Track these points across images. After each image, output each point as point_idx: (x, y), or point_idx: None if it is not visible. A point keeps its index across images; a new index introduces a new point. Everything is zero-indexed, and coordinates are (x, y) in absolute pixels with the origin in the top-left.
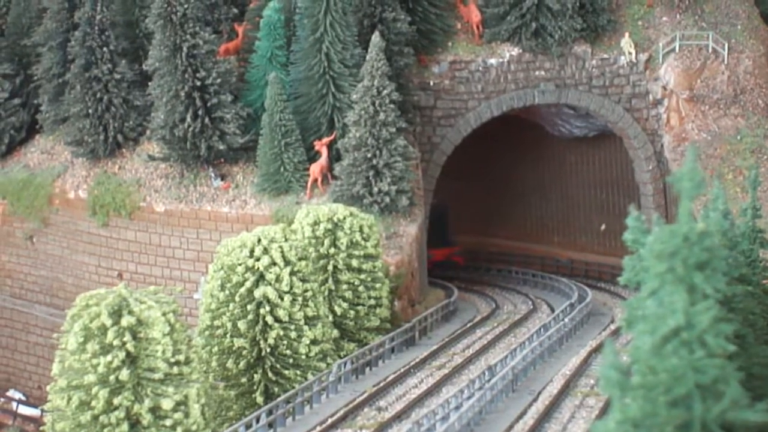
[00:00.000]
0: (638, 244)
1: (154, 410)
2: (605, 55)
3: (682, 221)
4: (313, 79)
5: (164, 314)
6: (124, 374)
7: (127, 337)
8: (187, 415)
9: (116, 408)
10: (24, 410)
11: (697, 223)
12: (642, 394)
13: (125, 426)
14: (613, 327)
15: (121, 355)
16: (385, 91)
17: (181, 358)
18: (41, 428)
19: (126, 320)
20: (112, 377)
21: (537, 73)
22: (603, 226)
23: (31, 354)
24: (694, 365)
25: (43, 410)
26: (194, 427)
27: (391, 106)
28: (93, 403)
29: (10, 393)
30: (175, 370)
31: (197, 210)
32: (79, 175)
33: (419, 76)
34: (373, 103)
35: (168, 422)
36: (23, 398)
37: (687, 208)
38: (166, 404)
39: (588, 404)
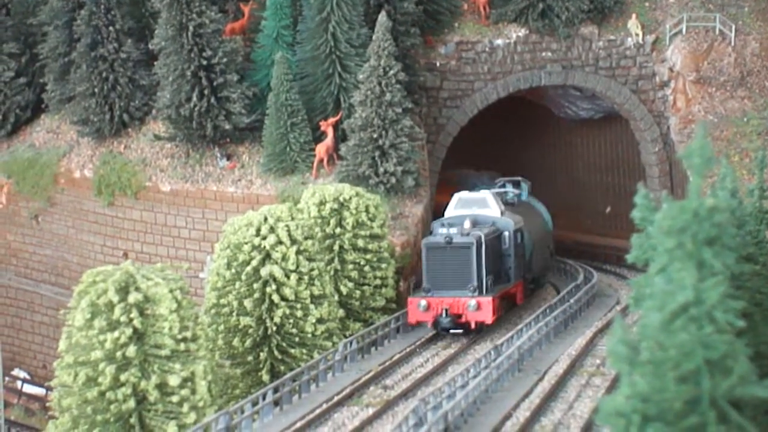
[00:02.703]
0: (646, 222)
1: (161, 387)
2: (612, 37)
3: (692, 197)
4: (320, 59)
5: (171, 291)
6: (131, 350)
7: (134, 314)
8: (193, 391)
9: (123, 384)
10: (29, 389)
11: (707, 199)
12: (651, 370)
13: (132, 402)
14: (618, 308)
15: (128, 331)
16: (391, 72)
17: (188, 334)
18: (47, 404)
19: (133, 297)
20: (119, 353)
21: (543, 54)
22: (608, 209)
23: (36, 333)
24: (702, 341)
25: (48, 388)
26: (201, 404)
27: (398, 86)
28: (100, 380)
29: (15, 372)
30: (182, 346)
31: (203, 190)
32: (84, 155)
33: (425, 57)
34: (380, 83)
35: (174, 398)
36: (28, 377)
37: (697, 184)
38: (173, 381)
39: (594, 384)
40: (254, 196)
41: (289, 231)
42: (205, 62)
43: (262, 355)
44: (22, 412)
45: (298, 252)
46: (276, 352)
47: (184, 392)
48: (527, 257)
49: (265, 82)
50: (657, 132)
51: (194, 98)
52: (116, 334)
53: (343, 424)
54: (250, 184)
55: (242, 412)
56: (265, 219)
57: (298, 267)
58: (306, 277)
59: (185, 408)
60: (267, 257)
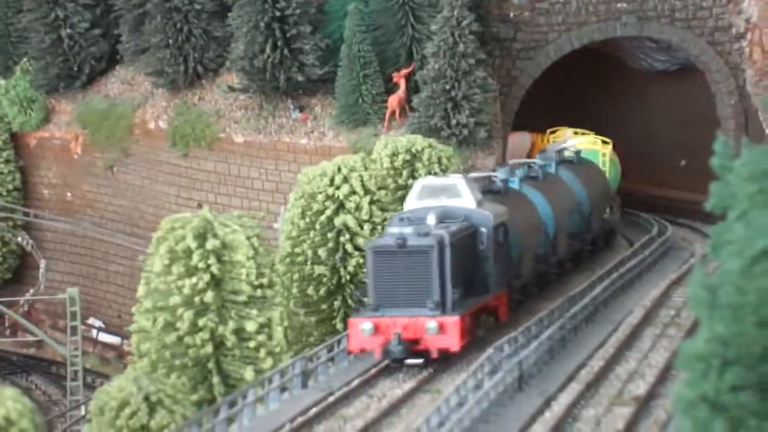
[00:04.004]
0: (725, 170)
1: (238, 332)
2: None
3: None
4: (392, 9)
5: (248, 238)
6: (209, 296)
7: (212, 260)
8: (270, 337)
9: (201, 329)
10: (104, 337)
11: None
12: (730, 314)
13: (210, 347)
14: (693, 261)
15: (206, 277)
16: (464, 22)
17: (265, 281)
18: (122, 353)
19: (211, 243)
20: (197, 299)
21: (619, 5)
22: (683, 162)
23: (110, 282)
24: None
25: (123, 337)
26: (277, 350)
27: (471, 37)
28: (178, 324)
29: (90, 321)
30: (259, 293)
31: (276, 141)
32: (159, 106)
33: (499, 8)
34: (453, 34)
35: (251, 344)
36: (103, 326)
37: None
38: (250, 326)
39: (669, 334)
40: (326, 148)
41: (362, 181)
42: (278, 13)
43: (336, 304)
44: (98, 360)
45: (372, 202)
46: (350, 301)
47: (261, 338)
48: (515, 260)
49: (338, 34)
50: (733, 84)
51: (268, 50)
52: (194, 279)
53: (419, 370)
54: (322, 135)
55: (318, 358)
56: (339, 169)
57: (371, 217)
58: (379, 227)
59: (262, 353)
60: (341, 207)
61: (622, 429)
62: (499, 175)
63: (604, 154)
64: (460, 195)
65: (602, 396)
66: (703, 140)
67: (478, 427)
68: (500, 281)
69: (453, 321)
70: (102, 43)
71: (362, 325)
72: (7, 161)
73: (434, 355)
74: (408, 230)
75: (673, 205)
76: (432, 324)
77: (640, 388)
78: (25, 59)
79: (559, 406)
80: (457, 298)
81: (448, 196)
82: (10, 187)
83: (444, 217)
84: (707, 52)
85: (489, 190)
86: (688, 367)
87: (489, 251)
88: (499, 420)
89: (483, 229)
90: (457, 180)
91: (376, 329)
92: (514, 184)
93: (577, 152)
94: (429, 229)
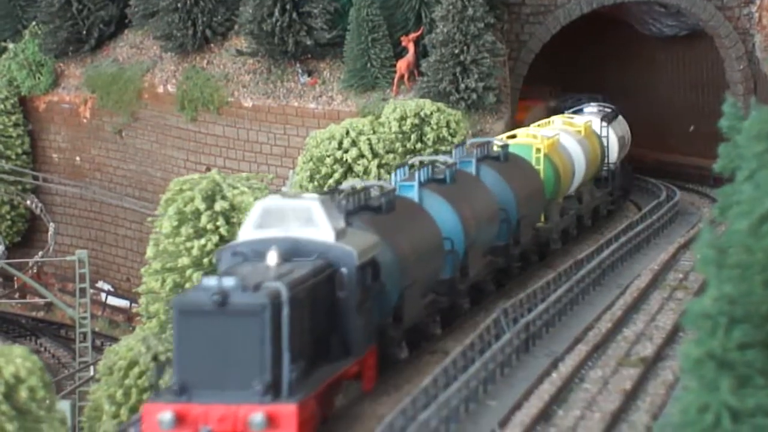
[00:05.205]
0: (734, 131)
1: None
2: None
3: None
4: None
5: (256, 199)
6: None
7: (221, 222)
8: None
9: None
10: (113, 301)
11: None
12: (738, 274)
13: None
14: (701, 225)
15: (215, 238)
16: None
17: None
18: (130, 316)
19: (219, 205)
20: (205, 260)
21: None
22: (692, 127)
23: (119, 246)
24: None
25: (132, 300)
26: None
27: (480, 1)
28: (187, 286)
29: (99, 284)
30: None
31: (284, 106)
32: (167, 70)
33: None
34: None
35: None
36: (112, 289)
37: None
38: None
39: (677, 297)
40: (335, 112)
41: (371, 144)
42: None
43: None
44: (106, 323)
45: (380, 166)
46: None
47: None
48: (394, 301)
49: None
50: (742, 49)
51: (276, 13)
52: (203, 241)
53: None
54: (330, 100)
55: None
56: (347, 132)
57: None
58: None
59: None
60: (349, 170)
61: (629, 389)
62: (393, 179)
63: (538, 150)
64: (314, 223)
65: (609, 357)
66: (712, 106)
67: (486, 388)
68: (367, 337)
69: (289, 412)
70: (111, 6)
71: (160, 415)
72: (16, 125)
73: None
74: (230, 282)
75: (682, 170)
76: (258, 417)
77: (648, 349)
78: (33, 23)
79: (566, 367)
80: (297, 376)
81: (299, 223)
82: (20, 150)
83: (291, 254)
84: (716, 17)
85: (365, 207)
86: (695, 325)
87: (351, 299)
88: (506, 380)
89: (343, 270)
90: (310, 202)
91: (180, 420)
92: (411, 192)
93: (504, 147)
94: (263, 277)
